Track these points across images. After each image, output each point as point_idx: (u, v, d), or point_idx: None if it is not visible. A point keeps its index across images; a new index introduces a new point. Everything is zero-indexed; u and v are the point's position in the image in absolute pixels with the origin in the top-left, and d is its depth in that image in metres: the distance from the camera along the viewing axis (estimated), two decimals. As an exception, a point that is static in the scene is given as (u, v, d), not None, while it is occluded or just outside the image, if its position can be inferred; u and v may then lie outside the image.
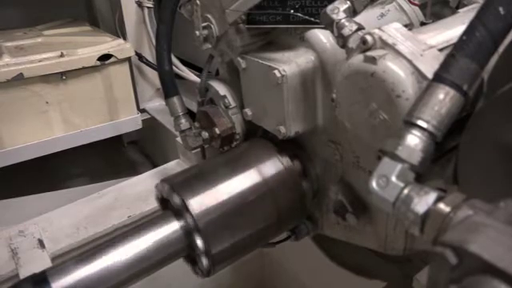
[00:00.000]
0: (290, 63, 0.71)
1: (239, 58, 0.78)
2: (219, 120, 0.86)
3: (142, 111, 1.67)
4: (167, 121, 1.60)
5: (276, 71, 0.70)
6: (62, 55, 1.36)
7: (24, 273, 0.85)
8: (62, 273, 0.64)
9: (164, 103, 1.73)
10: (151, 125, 1.67)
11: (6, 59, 1.31)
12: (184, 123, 0.89)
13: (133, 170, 1.94)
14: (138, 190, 1.14)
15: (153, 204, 1.07)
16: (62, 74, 1.36)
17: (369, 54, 0.51)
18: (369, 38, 0.52)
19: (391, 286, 1.00)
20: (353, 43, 0.55)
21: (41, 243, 0.93)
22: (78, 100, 1.43)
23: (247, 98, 0.82)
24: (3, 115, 1.31)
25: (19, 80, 1.29)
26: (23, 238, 0.95)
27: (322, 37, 0.70)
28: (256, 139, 0.84)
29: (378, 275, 1.04)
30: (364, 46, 0.52)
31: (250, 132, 0.89)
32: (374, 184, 0.44)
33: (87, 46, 1.42)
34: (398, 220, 0.63)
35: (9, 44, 1.46)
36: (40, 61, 1.33)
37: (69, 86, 1.39)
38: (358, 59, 0.53)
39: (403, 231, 0.66)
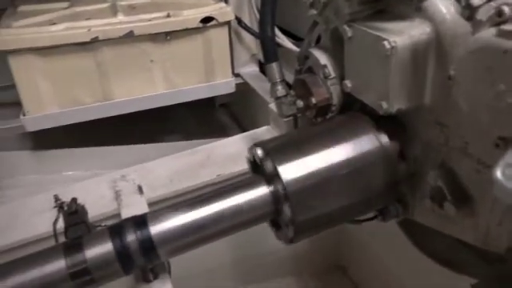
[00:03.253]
0: (402, 34, 0.66)
1: (345, 26, 0.75)
2: (317, 90, 0.84)
3: (236, 75, 1.70)
4: (259, 87, 1.62)
5: (385, 42, 0.66)
6: (168, 16, 1.43)
7: (125, 213, 0.94)
8: (159, 218, 0.69)
9: (258, 69, 1.77)
10: (243, 89, 1.69)
11: (120, 17, 1.41)
12: (280, 90, 0.89)
13: (222, 132, 2.01)
14: (229, 151, 1.19)
15: (242, 166, 1.11)
16: (167, 33, 1.43)
17: (505, 27, 0.45)
18: (506, 8, 0.45)
19: (481, 286, 0.92)
20: (483, 15, 0.49)
21: (140, 189, 1.02)
22: (179, 60, 1.50)
23: (349, 69, 0.79)
24: (114, 69, 1.42)
25: (130, 37, 1.39)
26: (125, 182, 1.05)
27: (441, 7, 0.64)
28: (353, 113, 0.81)
29: (466, 270, 0.98)
30: (498, 19, 0.46)
31: (346, 105, 0.87)
32: (498, 174, 0.39)
33: (191, 8, 1.46)
34: (508, 215, 0.57)
35: (123, 3, 1.56)
36: (149, 20, 1.40)
37: (172, 45, 1.46)
38: (488, 33, 0.47)
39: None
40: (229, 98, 2.03)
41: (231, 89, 1.60)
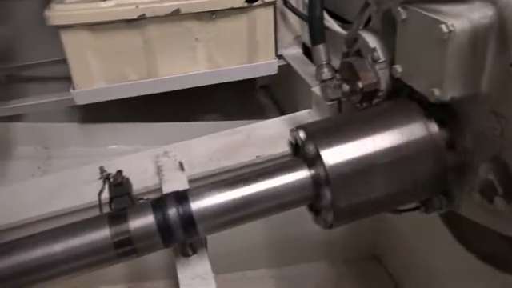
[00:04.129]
0: (461, 18, 0.63)
1: (400, 8, 0.72)
2: (364, 74, 0.81)
3: (279, 57, 1.67)
4: (302, 69, 1.59)
5: (443, 26, 0.62)
6: (214, -6, 1.42)
7: (166, 188, 0.96)
8: (200, 195, 0.70)
9: (301, 52, 1.74)
10: (286, 71, 1.67)
11: (165, -6, 1.42)
12: (326, 73, 0.87)
13: (261, 114, 2.01)
14: (269, 132, 1.18)
15: (282, 148, 1.10)
16: (212, 12, 1.43)
17: None
18: None
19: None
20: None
21: (181, 166, 1.03)
22: (223, 40, 1.49)
23: (400, 54, 0.75)
24: (159, 47, 1.44)
25: (175, 15, 1.39)
26: (167, 158, 1.07)
27: (507, -11, 0.59)
28: (402, 99, 0.78)
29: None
30: None
31: (393, 91, 0.84)
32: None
33: (238, -13, 1.45)
34: None
35: (170, -19, 1.57)
36: (195, -2, 1.40)
37: (217, 25, 1.46)
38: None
39: None
40: (270, 79, 2.02)
41: (273, 70, 1.58)
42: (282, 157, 1.09)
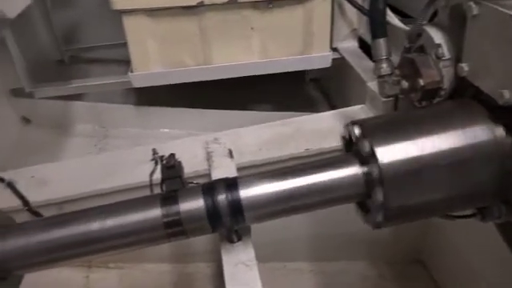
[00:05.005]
0: (541, 16, 0.58)
1: (471, 3, 0.68)
2: (426, 71, 0.78)
3: (334, 50, 1.64)
4: (357, 63, 1.55)
5: (520, 23, 0.58)
6: (272, -17, 1.41)
7: (215, 174, 0.98)
8: (250, 184, 0.71)
9: (356, 45, 1.70)
10: (339, 65, 1.64)
11: (224, -17, 1.43)
12: (385, 68, 0.84)
13: (310, 107, 1.99)
14: (319, 126, 1.17)
15: (331, 143, 1.09)
16: (269, 1, 1.42)
17: None
18: None
19: None
20: None
21: (230, 153, 1.05)
22: (278, 30, 1.48)
23: (468, 51, 0.71)
24: (215, 34, 1.45)
25: (233, 3, 1.40)
26: (217, 145, 1.09)
27: None
28: (465, 99, 0.74)
29: None
30: None
31: (456, 91, 0.80)
32: None
33: (296, -23, 1.43)
34: None
35: (228, -32, 1.58)
36: (253, -14, 1.40)
37: (273, 14, 1.45)
38: None
39: None
40: (321, 72, 1.99)
41: (327, 63, 1.55)
42: (331, 151, 1.07)
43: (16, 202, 1.04)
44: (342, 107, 1.33)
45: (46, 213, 1.06)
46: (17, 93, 1.64)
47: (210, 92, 1.75)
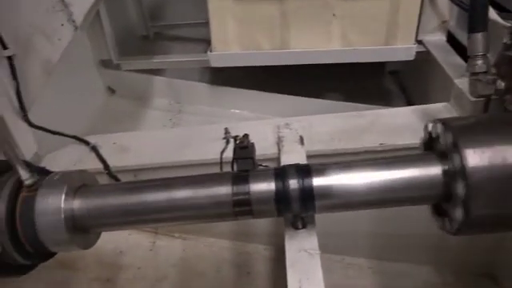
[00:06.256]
0: None
1: None
2: (529, 71, 0.71)
3: (419, 42, 1.55)
4: (443, 58, 1.45)
5: None
6: (360, -31, 1.36)
7: (284, 159, 0.98)
8: (324, 172, 0.70)
9: (444, 39, 1.59)
10: (423, 59, 1.55)
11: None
12: (480, 65, 0.78)
13: (386, 100, 1.91)
14: (396, 121, 1.12)
15: (407, 140, 1.04)
16: (355, -12, 1.37)
17: None
18: None
19: None
20: None
21: (301, 140, 1.04)
22: (362, 18, 1.43)
23: None
24: (295, 19, 1.43)
25: (318, -12, 1.37)
26: (288, 130, 1.08)
27: None
28: None
29: None
30: None
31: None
32: None
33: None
34: None
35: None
36: (339, -28, 1.36)
37: (358, 2, 1.40)
38: None
39: None
40: (402, 65, 1.89)
41: (411, 56, 1.47)
42: (406, 149, 1.03)
43: (98, 165, 1.13)
44: (421, 103, 1.27)
45: (123, 178, 1.13)
46: (105, 64, 1.76)
47: (282, 77, 1.74)
